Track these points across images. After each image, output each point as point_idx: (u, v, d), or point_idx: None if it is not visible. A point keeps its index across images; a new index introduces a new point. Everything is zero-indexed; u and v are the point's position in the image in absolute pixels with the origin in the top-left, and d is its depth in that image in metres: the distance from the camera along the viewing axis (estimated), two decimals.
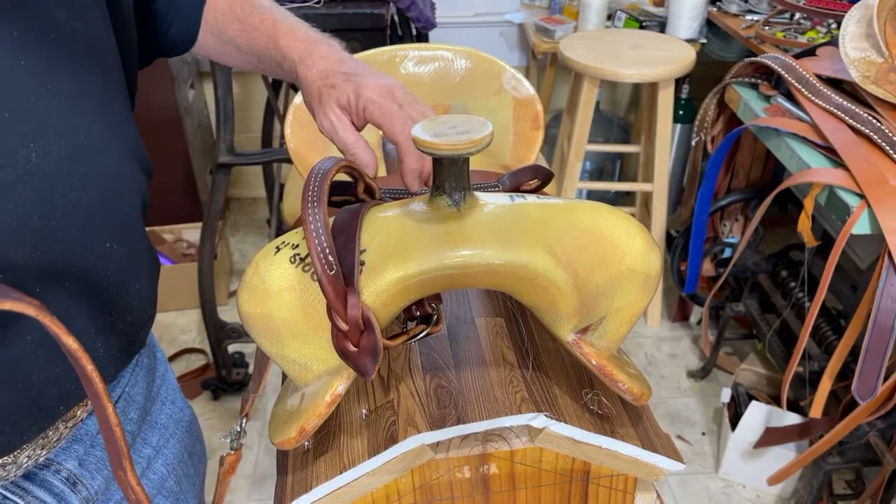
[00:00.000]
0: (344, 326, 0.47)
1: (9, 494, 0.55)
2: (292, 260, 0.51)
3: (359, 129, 0.60)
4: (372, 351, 0.48)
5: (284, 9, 0.70)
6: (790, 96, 1.45)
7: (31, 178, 0.47)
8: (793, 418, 1.54)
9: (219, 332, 1.84)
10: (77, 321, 0.53)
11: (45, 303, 0.36)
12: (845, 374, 1.41)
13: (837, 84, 1.38)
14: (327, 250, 0.47)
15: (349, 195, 0.58)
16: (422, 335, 0.55)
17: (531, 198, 0.56)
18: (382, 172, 0.78)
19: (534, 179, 0.65)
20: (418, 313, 0.57)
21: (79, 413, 0.58)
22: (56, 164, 0.49)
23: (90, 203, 0.52)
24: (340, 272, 0.48)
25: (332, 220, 0.53)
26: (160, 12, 0.70)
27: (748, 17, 2.04)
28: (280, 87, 1.98)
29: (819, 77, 1.39)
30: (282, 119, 1.88)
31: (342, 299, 0.47)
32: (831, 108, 1.33)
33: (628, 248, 0.51)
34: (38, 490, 0.56)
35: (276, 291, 0.50)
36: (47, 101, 0.48)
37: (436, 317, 0.56)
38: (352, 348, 0.48)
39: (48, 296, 0.50)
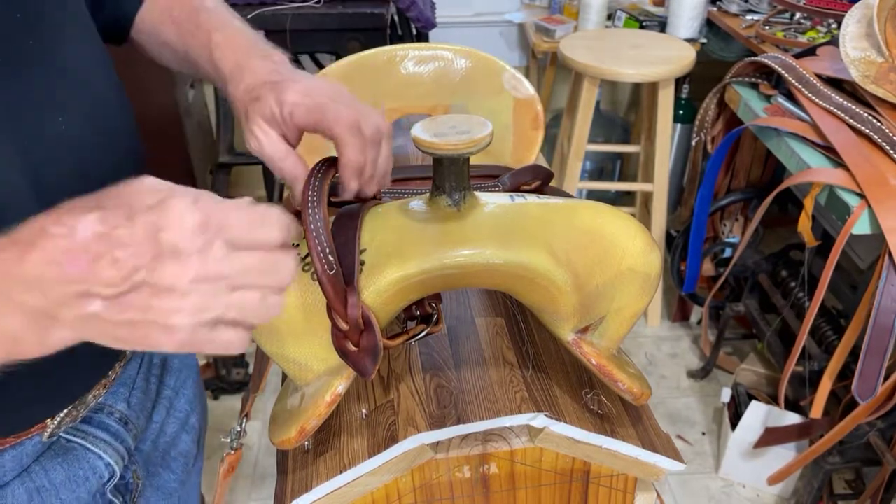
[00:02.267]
0: (344, 326, 0.47)
1: (72, 437, 0.61)
2: None
3: (292, 142, 0.55)
4: (372, 351, 0.48)
5: (227, 9, 0.66)
6: (790, 96, 1.45)
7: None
8: (793, 418, 1.54)
9: None
10: None
11: None
12: (845, 373, 1.41)
13: (838, 84, 1.38)
14: (327, 250, 0.47)
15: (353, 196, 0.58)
16: (422, 335, 0.55)
17: (531, 197, 0.56)
18: None
19: (534, 179, 0.65)
20: (418, 313, 0.57)
21: (128, 354, 0.65)
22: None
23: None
24: (340, 272, 0.48)
25: (331, 219, 0.53)
26: None
27: (748, 16, 2.04)
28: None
29: (819, 77, 1.39)
30: None
31: (342, 299, 0.47)
32: (831, 108, 1.33)
33: (628, 247, 0.51)
34: (96, 430, 0.63)
35: None
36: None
37: (436, 316, 0.56)
38: (352, 348, 0.48)
39: None
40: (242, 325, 0.38)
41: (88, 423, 0.63)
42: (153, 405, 0.72)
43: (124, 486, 0.66)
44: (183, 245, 0.35)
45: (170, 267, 0.35)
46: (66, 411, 0.59)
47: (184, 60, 0.66)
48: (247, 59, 0.59)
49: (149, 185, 0.37)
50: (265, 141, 0.54)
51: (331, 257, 0.47)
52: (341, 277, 0.47)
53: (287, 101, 0.53)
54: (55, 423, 0.59)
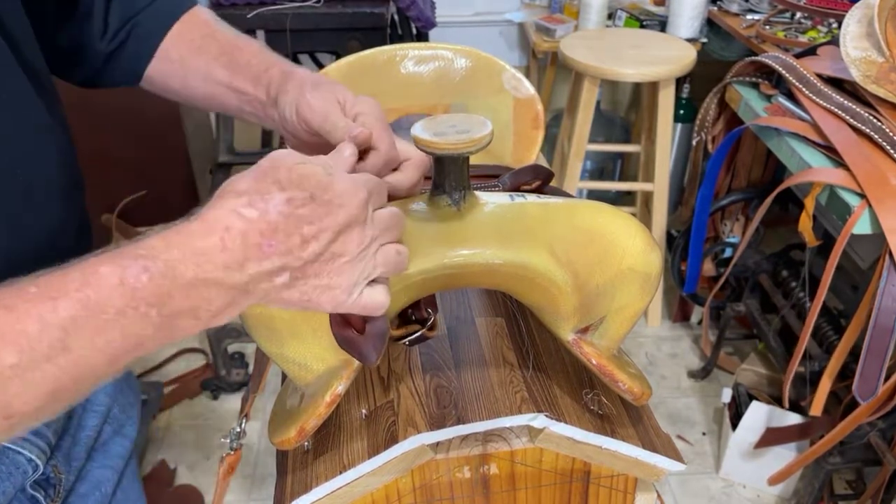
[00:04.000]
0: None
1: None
2: None
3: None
4: (378, 336, 0.47)
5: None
6: (791, 96, 1.45)
7: None
8: (793, 418, 1.54)
9: (219, 332, 1.84)
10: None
11: None
12: (846, 374, 1.40)
13: (838, 83, 1.38)
14: None
15: None
16: (417, 334, 0.55)
17: (531, 197, 0.56)
18: None
19: (534, 179, 0.65)
20: (414, 318, 0.57)
21: None
22: None
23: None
24: None
25: None
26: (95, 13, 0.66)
27: (749, 16, 2.04)
28: None
29: (820, 76, 1.39)
30: None
31: None
32: (832, 108, 1.32)
33: (629, 247, 0.51)
34: None
35: None
36: None
37: (432, 321, 0.56)
38: (355, 335, 0.48)
39: None
40: (382, 281, 0.45)
41: None
42: None
43: (45, 480, 0.65)
44: (355, 217, 0.41)
45: (345, 236, 0.41)
46: None
47: (220, 75, 0.67)
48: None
49: (297, 156, 0.41)
50: (328, 106, 0.57)
51: None
52: None
53: (361, 103, 0.57)
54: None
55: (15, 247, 0.54)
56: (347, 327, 0.48)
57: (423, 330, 0.56)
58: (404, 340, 0.56)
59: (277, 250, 0.39)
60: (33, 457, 0.63)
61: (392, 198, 0.54)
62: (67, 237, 0.62)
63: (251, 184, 0.40)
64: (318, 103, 0.57)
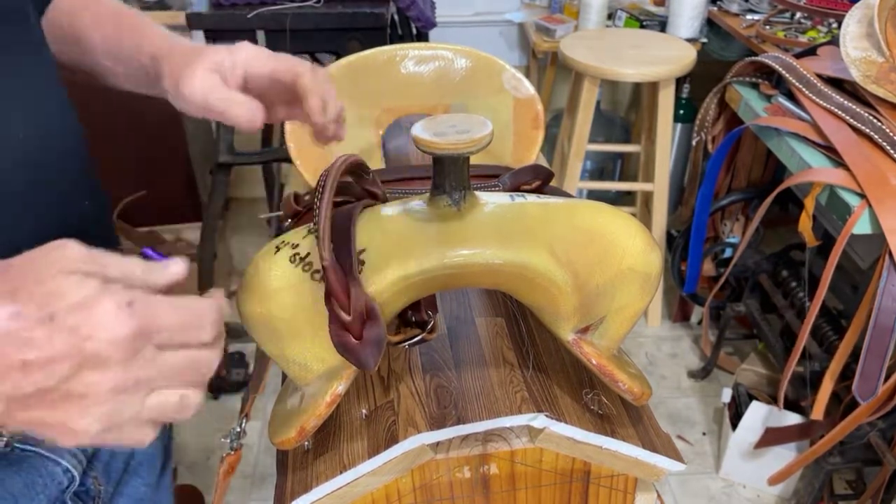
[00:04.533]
0: (346, 317, 0.47)
1: (26, 447, 0.58)
2: (292, 259, 0.51)
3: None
4: (376, 342, 0.47)
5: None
6: (791, 96, 1.45)
7: None
8: (793, 418, 1.54)
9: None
10: None
11: None
12: (846, 374, 1.40)
13: (838, 83, 1.38)
14: (331, 244, 0.47)
15: (350, 195, 0.58)
16: (417, 339, 0.55)
17: (531, 197, 0.56)
18: (379, 164, 0.78)
19: (534, 179, 0.65)
20: (414, 319, 0.56)
21: None
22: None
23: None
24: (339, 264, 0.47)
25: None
26: None
27: (749, 16, 2.04)
28: None
29: (820, 76, 1.39)
30: None
31: (345, 288, 0.47)
32: (832, 108, 1.32)
33: (629, 247, 0.51)
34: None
35: (276, 291, 0.50)
36: None
37: (432, 324, 0.56)
38: (353, 341, 0.48)
39: None
40: (155, 423, 0.36)
41: None
42: None
43: (85, 492, 0.64)
44: (107, 355, 0.32)
45: (88, 376, 0.32)
46: None
47: (104, 52, 0.64)
48: (172, 36, 0.60)
49: (74, 262, 0.33)
50: (207, 81, 0.52)
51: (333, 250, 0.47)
52: (341, 269, 0.47)
53: (240, 53, 0.53)
54: (9, 433, 0.57)
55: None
56: (345, 333, 0.48)
57: (423, 334, 0.56)
58: (404, 344, 0.56)
59: None
60: (70, 467, 0.62)
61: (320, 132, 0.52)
62: (95, 226, 0.63)
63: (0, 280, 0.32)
64: (189, 90, 0.52)
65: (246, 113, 0.52)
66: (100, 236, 0.62)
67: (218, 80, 0.52)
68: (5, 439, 0.58)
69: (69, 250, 0.33)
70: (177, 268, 0.37)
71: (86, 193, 0.62)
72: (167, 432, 0.81)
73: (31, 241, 0.44)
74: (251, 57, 0.53)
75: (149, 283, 0.35)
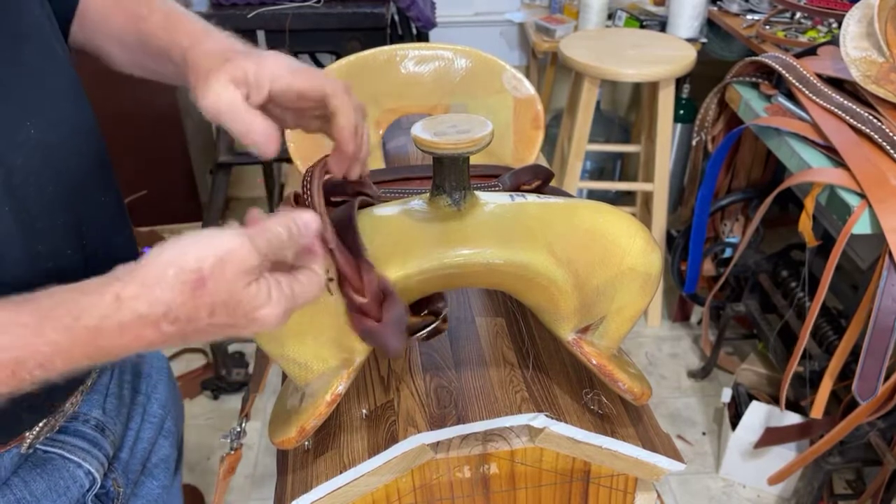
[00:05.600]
0: (362, 299, 0.46)
1: (49, 448, 0.60)
2: None
3: (257, 107, 0.51)
4: (397, 321, 0.47)
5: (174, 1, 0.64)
6: (791, 96, 1.45)
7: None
8: (793, 418, 1.54)
9: None
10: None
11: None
12: (846, 373, 1.41)
13: (838, 83, 1.38)
14: (333, 229, 0.48)
15: (345, 195, 0.58)
16: (431, 327, 0.55)
17: (531, 197, 0.56)
18: (380, 164, 0.78)
19: (534, 179, 0.65)
20: (425, 311, 0.56)
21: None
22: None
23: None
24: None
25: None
26: None
27: (749, 16, 2.04)
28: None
29: (820, 76, 1.39)
30: None
31: (356, 269, 0.46)
32: (832, 108, 1.32)
33: (629, 247, 0.51)
34: (73, 439, 0.62)
35: None
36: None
37: (444, 312, 0.56)
38: (374, 325, 0.47)
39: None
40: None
41: (65, 433, 0.62)
42: (128, 412, 0.71)
43: (105, 494, 0.65)
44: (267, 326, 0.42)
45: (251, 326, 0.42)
46: (44, 421, 0.59)
47: (133, 51, 0.63)
48: (210, 32, 0.57)
49: (247, 274, 0.40)
50: (227, 97, 0.50)
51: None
52: (349, 251, 0.47)
53: (268, 66, 0.50)
54: (33, 433, 0.58)
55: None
56: (365, 318, 0.47)
57: (438, 322, 0.55)
58: (419, 334, 0.55)
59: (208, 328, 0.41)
60: (92, 469, 0.62)
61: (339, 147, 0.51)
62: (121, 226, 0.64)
63: (182, 300, 0.39)
64: (206, 103, 0.51)
65: (262, 140, 0.50)
66: (115, 225, 0.63)
67: (239, 98, 0.50)
68: (29, 441, 0.58)
69: (242, 256, 0.40)
70: (314, 224, 0.43)
71: (105, 182, 0.63)
72: (181, 435, 0.81)
73: (52, 226, 0.51)
74: (277, 73, 0.51)
75: (297, 244, 0.43)
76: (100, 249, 0.59)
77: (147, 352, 0.76)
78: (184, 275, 0.39)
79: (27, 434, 0.58)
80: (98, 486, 0.63)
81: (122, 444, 0.69)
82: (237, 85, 0.50)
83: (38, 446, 0.60)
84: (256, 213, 0.44)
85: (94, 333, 0.39)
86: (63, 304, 0.39)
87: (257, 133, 0.49)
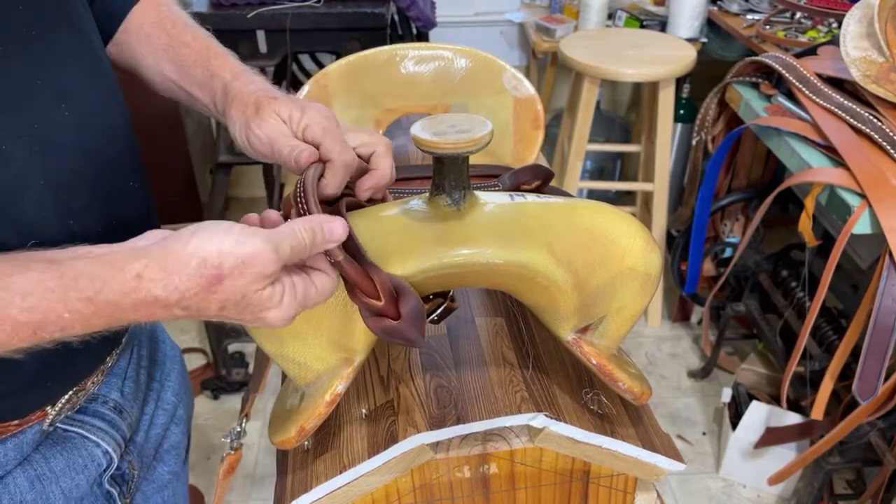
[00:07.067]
0: (378, 302, 0.47)
1: (69, 427, 0.62)
2: None
3: None
4: (416, 315, 0.47)
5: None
6: (791, 95, 1.45)
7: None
8: (793, 418, 1.54)
9: (219, 332, 1.84)
10: None
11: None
12: (846, 373, 1.41)
13: (838, 83, 1.38)
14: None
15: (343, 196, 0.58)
16: (442, 307, 0.55)
17: (531, 197, 0.56)
18: None
19: (534, 179, 0.65)
20: (431, 296, 0.56)
21: (122, 342, 0.68)
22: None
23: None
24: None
25: None
26: None
27: (749, 16, 2.04)
28: (280, 87, 1.98)
29: (820, 76, 1.39)
30: None
31: (366, 276, 0.47)
32: (832, 108, 1.32)
33: (629, 247, 0.51)
34: (92, 419, 0.64)
35: None
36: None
37: (451, 292, 0.57)
38: (393, 323, 0.47)
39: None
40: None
41: (84, 413, 0.64)
42: (144, 397, 0.73)
43: (121, 476, 0.67)
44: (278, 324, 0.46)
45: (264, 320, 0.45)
46: (66, 398, 0.61)
47: (170, 72, 0.68)
48: (245, 69, 0.64)
49: (264, 278, 0.43)
50: (280, 128, 0.57)
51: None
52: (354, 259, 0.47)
53: (308, 114, 0.57)
54: (55, 410, 0.60)
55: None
56: (382, 319, 0.47)
57: (447, 302, 0.56)
58: (433, 317, 0.56)
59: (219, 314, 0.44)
60: (109, 449, 0.65)
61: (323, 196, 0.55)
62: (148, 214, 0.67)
63: (197, 291, 0.42)
64: (263, 132, 0.58)
65: (308, 157, 0.56)
66: (144, 213, 0.66)
67: (286, 130, 0.57)
68: (50, 418, 0.60)
69: (261, 262, 0.42)
70: (341, 230, 0.46)
71: (135, 167, 0.65)
72: (190, 424, 0.83)
73: (86, 207, 0.55)
74: (313, 122, 0.57)
75: (318, 250, 0.46)
76: (128, 236, 0.61)
77: (161, 339, 0.79)
78: (205, 269, 0.41)
79: (49, 410, 0.60)
80: (115, 466, 0.65)
81: (138, 427, 0.71)
82: (282, 122, 0.58)
83: (58, 425, 0.62)
84: (276, 215, 0.48)
85: (112, 306, 0.42)
86: (86, 275, 0.41)
87: (304, 154, 0.55)
